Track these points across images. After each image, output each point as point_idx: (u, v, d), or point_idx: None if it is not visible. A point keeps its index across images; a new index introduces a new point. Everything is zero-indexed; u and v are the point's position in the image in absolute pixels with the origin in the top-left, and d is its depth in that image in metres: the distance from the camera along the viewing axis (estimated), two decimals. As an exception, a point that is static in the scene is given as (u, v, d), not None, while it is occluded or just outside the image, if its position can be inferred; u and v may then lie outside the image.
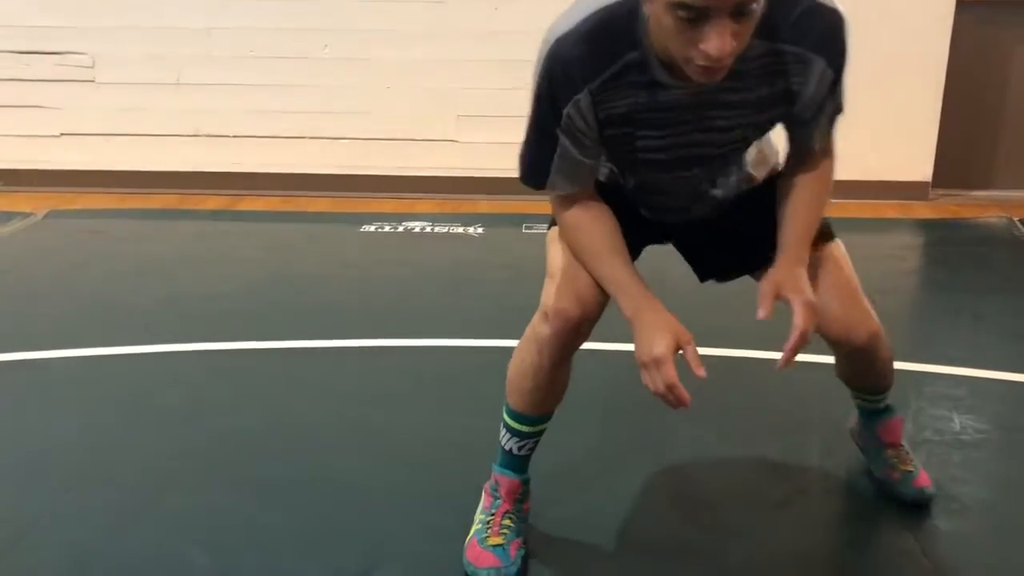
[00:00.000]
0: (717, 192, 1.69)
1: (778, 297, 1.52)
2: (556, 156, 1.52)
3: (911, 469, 1.94)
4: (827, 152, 1.61)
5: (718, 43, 1.27)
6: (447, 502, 1.93)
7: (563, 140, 1.51)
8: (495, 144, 4.68)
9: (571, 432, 2.24)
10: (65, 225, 4.16)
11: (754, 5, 1.28)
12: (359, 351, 2.73)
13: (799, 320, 1.49)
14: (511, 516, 1.76)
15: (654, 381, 1.47)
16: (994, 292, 3.25)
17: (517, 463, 1.79)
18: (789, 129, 1.60)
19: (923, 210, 4.52)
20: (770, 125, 1.59)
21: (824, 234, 1.66)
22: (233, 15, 4.58)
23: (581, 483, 2.02)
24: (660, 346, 1.45)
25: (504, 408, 1.78)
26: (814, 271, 1.60)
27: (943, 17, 4.45)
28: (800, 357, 2.61)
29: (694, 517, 1.91)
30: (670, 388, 1.45)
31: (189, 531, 1.82)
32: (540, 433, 1.78)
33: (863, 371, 1.87)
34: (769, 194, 1.65)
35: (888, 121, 4.41)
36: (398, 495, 1.96)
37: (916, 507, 1.91)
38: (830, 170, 1.62)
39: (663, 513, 1.83)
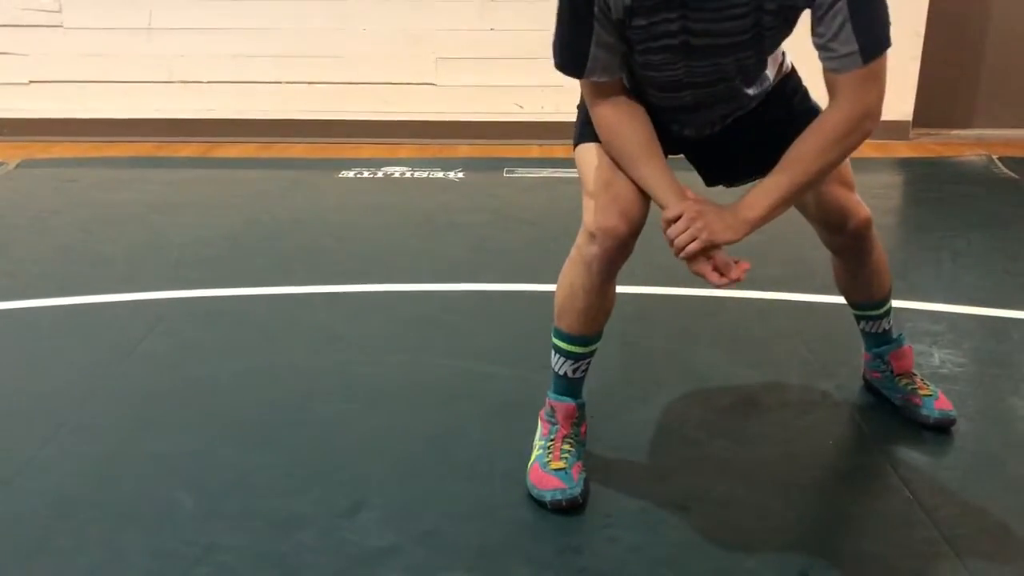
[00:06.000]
0: (749, 91, 1.68)
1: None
2: (592, 43, 1.53)
3: (931, 393, 2.00)
4: (854, 100, 1.49)
5: None
6: (430, 443, 1.94)
7: (597, 27, 1.52)
8: (475, 87, 4.63)
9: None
10: (38, 174, 4.10)
11: None
12: (340, 296, 2.72)
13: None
14: (570, 440, 1.80)
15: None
16: (973, 229, 3.27)
17: (572, 387, 1.81)
18: (815, 45, 1.50)
19: (903, 149, 4.53)
20: (784, 19, 1.51)
21: None
22: (204, -44, 4.49)
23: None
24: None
25: (554, 334, 1.79)
26: None
27: (925, -46, 4.42)
28: (777, 295, 2.64)
29: (681, 453, 1.93)
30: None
31: (175, 474, 1.82)
32: (593, 353, 1.80)
33: (858, 269, 1.89)
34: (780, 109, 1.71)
35: (869, 60, 4.39)
36: (381, 436, 1.97)
37: (939, 430, 1.96)
38: (844, 123, 1.50)
39: (645, 447, 1.85)
